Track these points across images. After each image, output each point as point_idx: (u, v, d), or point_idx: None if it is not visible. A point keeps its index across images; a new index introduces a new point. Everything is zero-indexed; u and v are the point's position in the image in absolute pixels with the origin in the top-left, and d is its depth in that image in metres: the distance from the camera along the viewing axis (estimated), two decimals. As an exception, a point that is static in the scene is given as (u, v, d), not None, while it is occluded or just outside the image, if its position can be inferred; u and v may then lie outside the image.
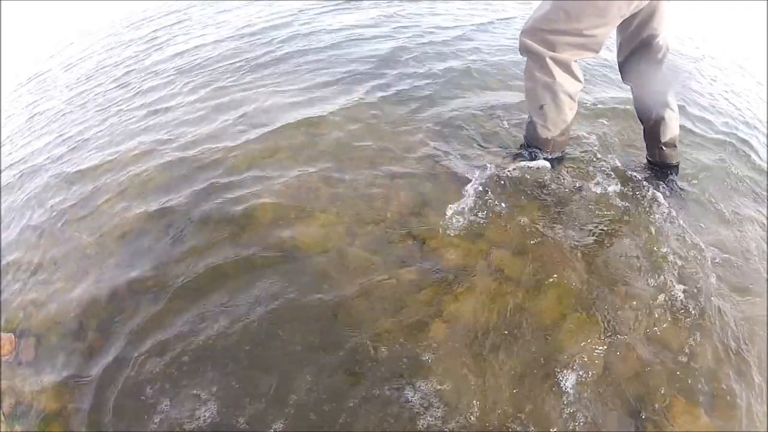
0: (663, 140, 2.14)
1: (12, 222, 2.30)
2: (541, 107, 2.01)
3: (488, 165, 2.16)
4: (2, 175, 2.78)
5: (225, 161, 2.21)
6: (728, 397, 1.50)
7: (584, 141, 2.41)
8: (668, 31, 2.00)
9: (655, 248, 1.86)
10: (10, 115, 4.05)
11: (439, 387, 1.42)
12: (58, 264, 1.94)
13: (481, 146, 2.33)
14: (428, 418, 1.36)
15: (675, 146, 2.18)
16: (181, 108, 2.86)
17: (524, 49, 1.95)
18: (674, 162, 2.20)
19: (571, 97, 2.00)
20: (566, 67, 1.94)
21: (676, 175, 2.18)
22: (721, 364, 1.57)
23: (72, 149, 2.77)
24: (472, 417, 1.37)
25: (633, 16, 1.88)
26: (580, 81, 2.01)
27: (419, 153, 2.24)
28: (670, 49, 2.06)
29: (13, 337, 1.78)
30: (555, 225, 1.92)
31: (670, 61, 2.11)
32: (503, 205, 1.98)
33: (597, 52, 1.94)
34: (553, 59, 1.91)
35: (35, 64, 5.40)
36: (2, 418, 1.55)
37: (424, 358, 1.48)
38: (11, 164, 2.93)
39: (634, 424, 1.40)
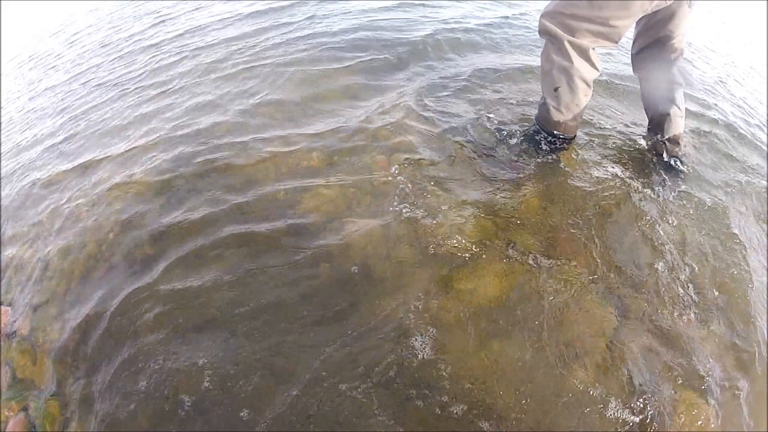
0: (666, 135, 2.17)
1: (11, 204, 2.27)
2: (556, 89, 2.00)
3: (497, 146, 2.14)
4: (2, 162, 2.72)
5: (232, 152, 2.13)
6: (736, 392, 1.49)
7: (597, 124, 2.38)
8: (685, 34, 2.03)
9: (664, 239, 1.83)
10: (12, 92, 3.99)
11: (438, 367, 1.40)
12: (56, 249, 1.88)
13: (492, 127, 2.28)
14: (428, 397, 1.34)
15: (678, 143, 2.19)
16: (190, 89, 2.77)
17: (543, 31, 1.94)
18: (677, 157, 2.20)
19: (586, 82, 1.99)
20: (584, 53, 1.92)
21: (680, 168, 2.18)
22: (729, 359, 1.55)
23: (77, 132, 2.69)
24: (471, 397, 1.35)
25: (654, 13, 1.89)
26: (597, 69, 1.99)
27: (424, 132, 2.21)
28: (684, 52, 2.09)
29: (9, 310, 1.75)
30: (561, 209, 1.88)
31: (683, 64, 2.11)
32: (509, 185, 1.95)
33: (616, 42, 1.92)
34: (572, 44, 1.89)
35: (39, 40, 5.33)
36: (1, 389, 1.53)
37: (424, 335, 1.46)
38: (13, 147, 2.87)
39: (639, 418, 1.37)
